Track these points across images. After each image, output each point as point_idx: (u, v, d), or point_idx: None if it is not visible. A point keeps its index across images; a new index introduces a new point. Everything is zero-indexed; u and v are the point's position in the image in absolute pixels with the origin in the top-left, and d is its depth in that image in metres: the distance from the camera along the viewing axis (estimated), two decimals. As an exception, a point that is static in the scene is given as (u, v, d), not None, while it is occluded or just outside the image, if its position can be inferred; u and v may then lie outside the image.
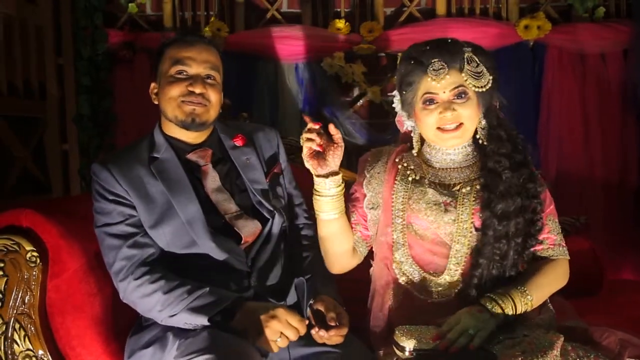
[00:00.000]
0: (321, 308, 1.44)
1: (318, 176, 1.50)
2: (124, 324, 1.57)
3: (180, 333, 1.40)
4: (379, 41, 2.58)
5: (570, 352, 1.26)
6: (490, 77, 1.46)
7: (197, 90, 1.54)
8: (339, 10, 2.64)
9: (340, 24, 2.59)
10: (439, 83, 1.44)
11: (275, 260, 1.58)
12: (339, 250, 1.60)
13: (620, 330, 1.45)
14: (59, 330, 1.51)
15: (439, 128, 1.47)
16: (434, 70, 1.44)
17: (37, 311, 1.48)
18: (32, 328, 1.47)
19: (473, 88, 1.44)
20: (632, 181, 2.60)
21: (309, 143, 1.46)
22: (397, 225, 1.53)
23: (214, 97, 1.57)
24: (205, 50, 1.59)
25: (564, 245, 1.52)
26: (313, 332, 1.39)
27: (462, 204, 1.47)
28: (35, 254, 1.47)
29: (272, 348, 1.35)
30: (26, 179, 2.52)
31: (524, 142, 1.50)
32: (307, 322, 1.38)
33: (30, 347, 1.48)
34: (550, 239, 1.50)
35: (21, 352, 1.47)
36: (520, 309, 1.38)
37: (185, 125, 1.56)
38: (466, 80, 1.44)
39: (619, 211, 2.60)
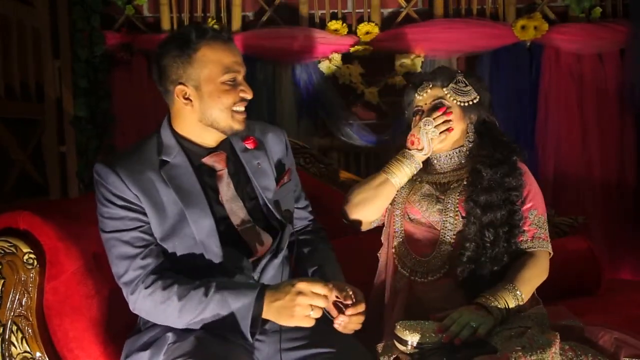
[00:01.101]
0: (335, 292, 1.38)
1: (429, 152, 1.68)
2: (122, 326, 1.56)
3: (176, 336, 1.37)
4: (376, 42, 2.57)
5: (567, 351, 1.29)
6: (477, 95, 1.70)
7: (250, 96, 1.49)
8: (336, 11, 2.65)
9: (338, 25, 2.59)
10: (422, 96, 1.73)
11: (282, 272, 1.55)
12: (382, 204, 1.74)
13: (618, 329, 1.46)
14: (57, 332, 1.51)
15: None
16: (420, 88, 1.73)
17: (34, 313, 1.48)
18: (30, 330, 1.47)
19: (455, 101, 1.68)
20: (630, 181, 2.59)
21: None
22: (397, 216, 1.72)
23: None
24: (239, 51, 1.53)
25: (546, 239, 1.61)
26: (335, 325, 1.38)
27: (450, 196, 1.65)
28: (32, 256, 1.47)
29: (308, 323, 1.32)
30: (24, 181, 2.52)
31: (512, 147, 1.66)
32: (330, 286, 1.35)
33: (28, 350, 1.47)
34: (531, 231, 1.60)
35: (19, 354, 1.47)
36: (512, 306, 1.45)
37: (236, 134, 1.51)
38: (447, 94, 1.69)
39: (617, 211, 2.59)
